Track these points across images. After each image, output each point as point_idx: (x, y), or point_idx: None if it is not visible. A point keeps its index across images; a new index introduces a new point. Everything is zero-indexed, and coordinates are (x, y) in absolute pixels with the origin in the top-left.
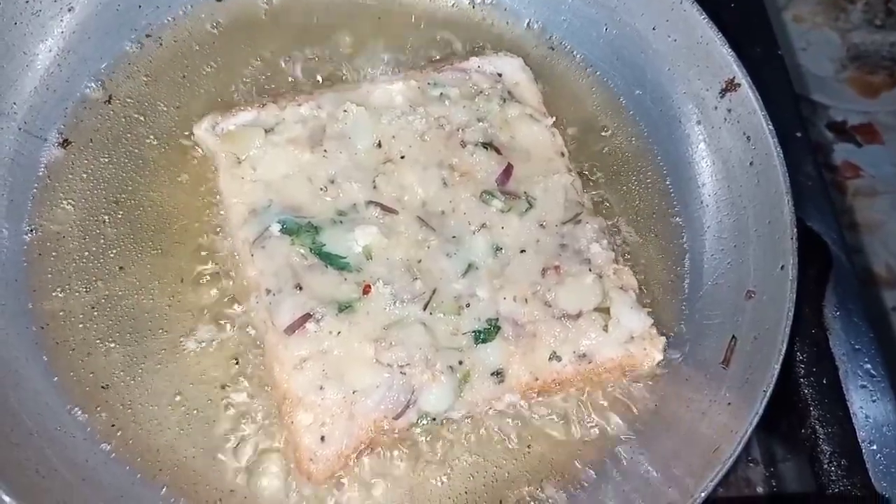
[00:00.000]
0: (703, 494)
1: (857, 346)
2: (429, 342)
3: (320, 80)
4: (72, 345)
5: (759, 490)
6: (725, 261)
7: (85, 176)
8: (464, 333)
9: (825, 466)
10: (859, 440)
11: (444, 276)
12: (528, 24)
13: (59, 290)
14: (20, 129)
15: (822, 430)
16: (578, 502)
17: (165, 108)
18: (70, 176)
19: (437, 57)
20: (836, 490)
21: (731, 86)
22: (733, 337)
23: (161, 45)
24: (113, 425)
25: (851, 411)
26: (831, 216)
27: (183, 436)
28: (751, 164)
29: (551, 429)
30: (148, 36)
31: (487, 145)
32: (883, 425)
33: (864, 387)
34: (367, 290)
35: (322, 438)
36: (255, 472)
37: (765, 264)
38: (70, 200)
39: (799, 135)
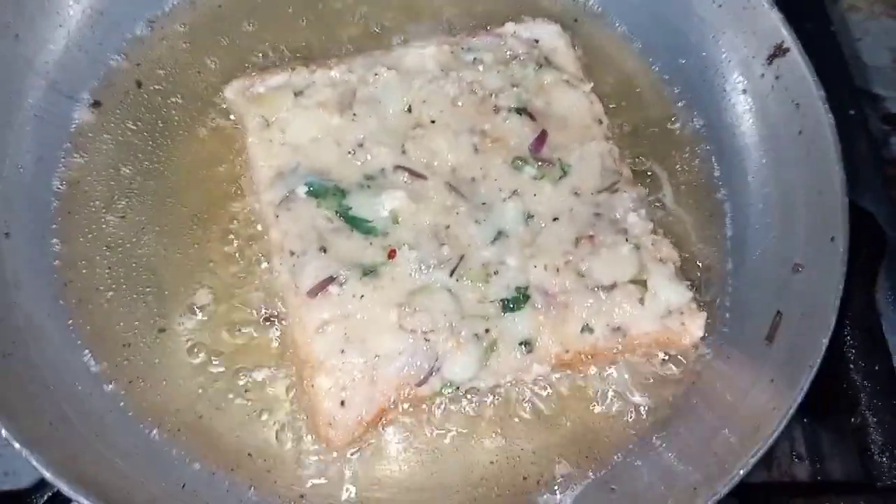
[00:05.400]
0: (741, 472)
1: None
2: (454, 309)
3: (353, 46)
4: (95, 302)
5: None
6: (771, 234)
7: (114, 136)
8: (491, 301)
9: (875, 458)
10: None
11: (473, 243)
12: None
13: (83, 247)
14: (51, 87)
15: (873, 420)
16: (612, 479)
17: (197, 72)
18: (99, 135)
19: (473, 24)
20: (889, 483)
21: (779, 51)
22: (778, 312)
23: (195, 7)
24: (131, 382)
25: None
26: (885, 197)
27: (202, 397)
28: (800, 132)
29: (580, 404)
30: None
31: (521, 111)
32: None
33: None
34: (392, 254)
35: (342, 403)
36: (273, 436)
37: (814, 236)
38: (98, 159)
39: (852, 112)
